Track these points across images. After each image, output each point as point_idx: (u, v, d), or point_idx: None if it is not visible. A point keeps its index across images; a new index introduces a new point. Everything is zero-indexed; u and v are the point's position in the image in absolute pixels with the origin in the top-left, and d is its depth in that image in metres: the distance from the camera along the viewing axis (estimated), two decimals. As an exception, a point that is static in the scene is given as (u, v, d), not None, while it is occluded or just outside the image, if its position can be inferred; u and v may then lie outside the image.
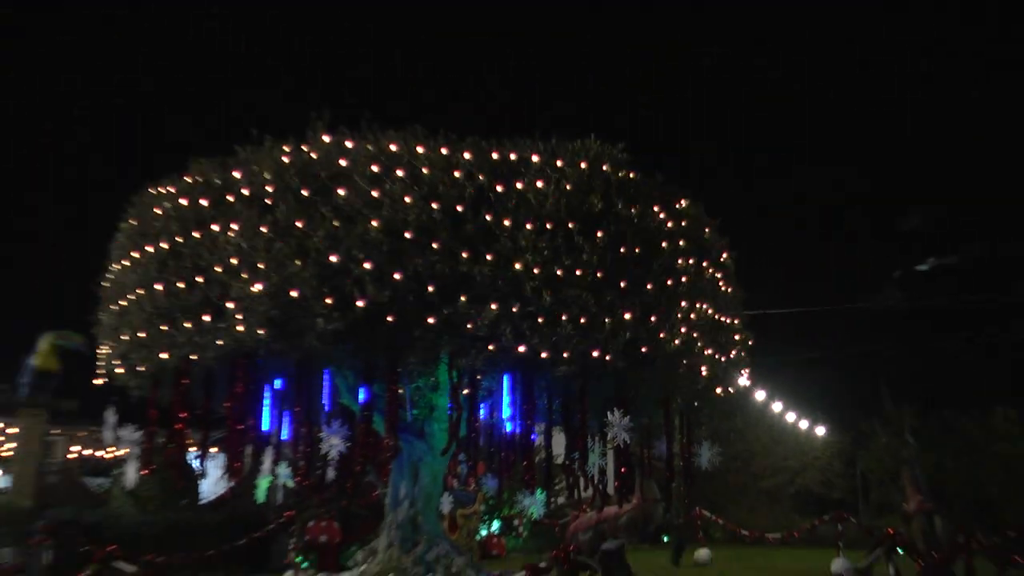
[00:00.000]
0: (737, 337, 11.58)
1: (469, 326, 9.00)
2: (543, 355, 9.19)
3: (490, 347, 9.12)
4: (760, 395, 26.09)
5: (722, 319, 11.08)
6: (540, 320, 9.11)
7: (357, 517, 20.13)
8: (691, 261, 10.37)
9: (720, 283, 11.10)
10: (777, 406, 26.95)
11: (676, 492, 21.98)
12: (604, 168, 9.77)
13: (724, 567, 20.03)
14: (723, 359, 11.15)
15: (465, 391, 10.35)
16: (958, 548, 12.70)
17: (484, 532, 23.55)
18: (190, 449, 12.43)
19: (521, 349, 9.08)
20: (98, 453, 28.89)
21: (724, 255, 11.37)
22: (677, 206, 10.44)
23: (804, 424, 28.10)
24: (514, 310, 9.03)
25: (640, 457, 12.80)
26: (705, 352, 10.62)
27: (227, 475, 10.68)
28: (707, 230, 10.92)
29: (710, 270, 10.83)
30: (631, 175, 10.03)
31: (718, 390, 11.51)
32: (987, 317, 32.95)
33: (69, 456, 22.24)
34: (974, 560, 12.57)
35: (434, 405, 11.53)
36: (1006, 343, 31.67)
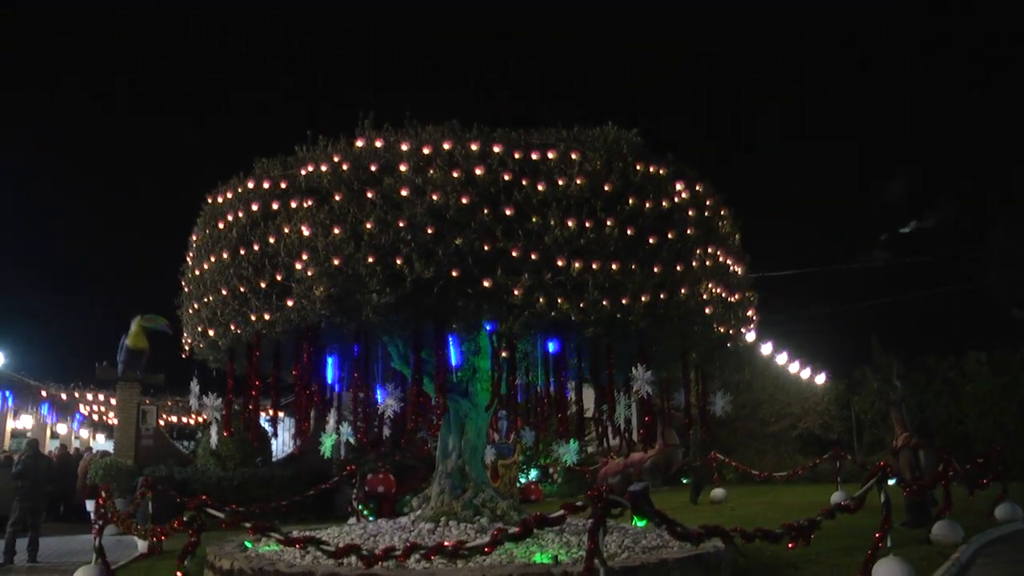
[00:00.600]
0: (746, 295, 11.51)
1: (506, 295, 9.01)
2: (573, 318, 9.18)
3: (526, 313, 9.11)
4: (766, 349, 26.03)
5: (731, 266, 11.01)
6: (569, 288, 9.10)
7: (410, 469, 20.25)
8: (701, 230, 10.29)
9: (726, 249, 11.02)
10: (781, 358, 26.87)
11: (693, 438, 21.98)
12: (622, 150, 9.72)
13: (737, 503, 20.03)
14: (732, 317, 11.09)
15: (504, 354, 10.37)
16: (938, 476, 12.74)
17: (523, 480, 23.66)
18: (263, 413, 12.53)
19: (553, 314, 9.07)
20: (183, 420, 29.30)
21: (723, 213, 11.21)
22: (686, 180, 10.38)
23: (805, 374, 28.03)
24: (546, 279, 9.02)
25: (661, 407, 12.78)
26: (717, 311, 10.57)
27: (295, 435, 10.76)
28: (715, 200, 10.83)
29: (719, 238, 10.76)
30: (645, 155, 9.97)
31: (729, 344, 11.48)
32: (962, 269, 32.85)
33: (160, 423, 22.51)
34: (950, 485, 12.65)
35: (476, 367, 11.54)
36: (977, 292, 31.65)
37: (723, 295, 10.72)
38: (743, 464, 23.52)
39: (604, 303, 9.18)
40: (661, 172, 10.01)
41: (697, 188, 10.47)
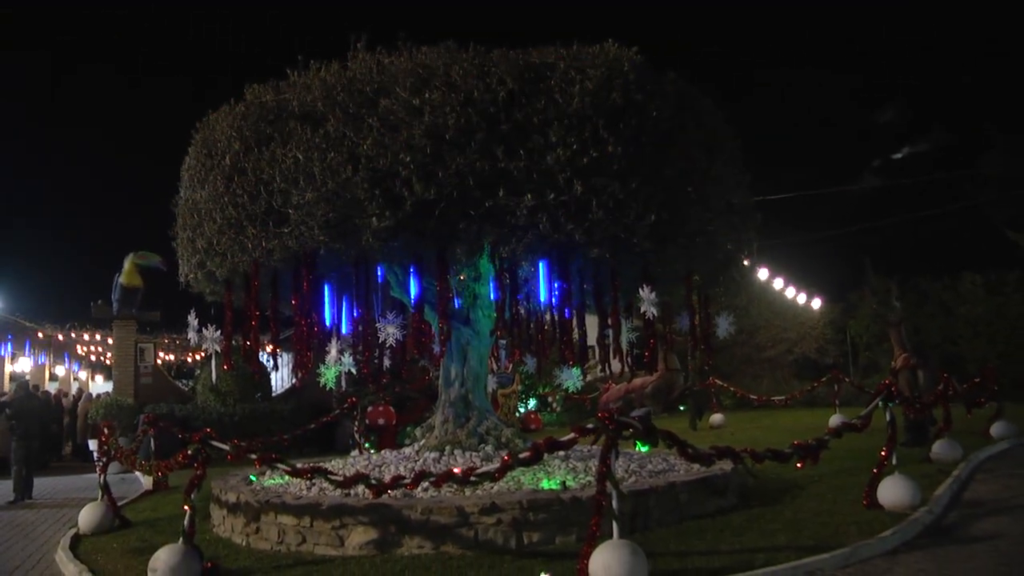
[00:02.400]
0: (746, 216, 11.20)
1: (509, 217, 8.67)
2: (578, 239, 8.85)
3: (529, 235, 8.80)
4: (762, 274, 25.80)
5: (733, 186, 10.69)
6: (573, 208, 8.75)
7: (409, 400, 20.16)
8: (704, 148, 9.96)
9: (730, 167, 10.70)
10: (777, 283, 26.67)
11: (692, 363, 21.86)
12: (624, 67, 9.34)
13: (736, 428, 20.02)
14: (735, 238, 10.82)
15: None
16: (938, 396, 12.68)
17: (522, 409, 23.58)
18: (263, 349, 12.28)
19: (557, 235, 8.75)
20: (181, 358, 29.14)
21: (725, 131, 10.84)
22: (689, 98, 10.01)
23: (801, 299, 27.85)
24: (549, 199, 8.66)
25: (663, 332, 12.57)
26: (720, 231, 10.30)
27: (295, 367, 10.54)
28: (718, 117, 10.49)
29: (722, 154, 10.43)
30: (648, 73, 9.59)
31: (732, 266, 11.24)
32: (956, 191, 32.83)
33: (158, 361, 22.36)
34: (949, 405, 12.64)
35: (477, 294, 11.32)
36: (972, 214, 31.64)
37: (726, 215, 10.44)
38: (741, 389, 23.45)
39: (608, 224, 8.88)
40: (664, 90, 9.66)
41: (700, 106, 10.12)
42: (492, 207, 8.64)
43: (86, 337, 26.01)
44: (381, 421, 18.51)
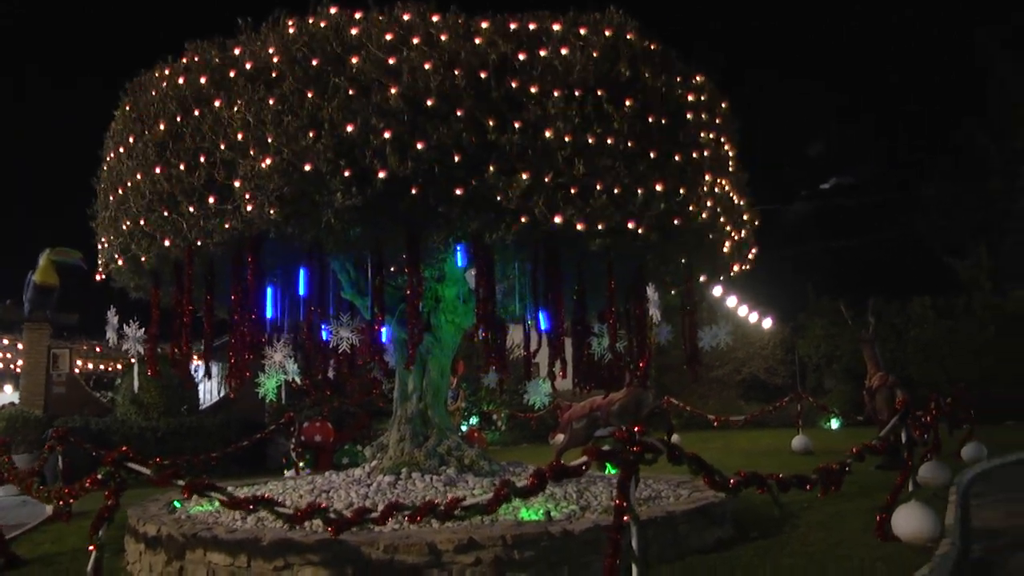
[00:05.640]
0: (746, 216, 9.95)
1: (499, 198, 7.21)
2: (578, 227, 7.42)
3: (522, 220, 7.34)
4: (716, 291, 24.81)
5: (735, 197, 9.46)
6: (573, 191, 7.35)
7: (349, 416, 18.53)
8: (711, 135, 8.71)
9: (733, 161, 9.47)
10: (731, 301, 25.72)
11: (650, 380, 20.66)
12: (629, 36, 8.01)
13: (693, 449, 18.78)
14: (738, 236, 9.56)
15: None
16: (928, 415, 11.69)
17: (464, 427, 22.08)
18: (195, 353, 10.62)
19: (557, 220, 7.26)
20: (101, 366, 26.88)
21: (729, 117, 9.64)
22: (695, 80, 8.73)
23: (753, 317, 26.96)
24: (546, 180, 7.26)
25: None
26: (726, 228, 9.03)
27: (230, 376, 8.94)
28: (723, 104, 9.23)
29: (726, 145, 9.19)
30: (654, 46, 8.29)
31: (735, 267, 9.98)
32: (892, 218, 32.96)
33: (75, 369, 20.23)
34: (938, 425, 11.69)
35: (440, 297, 9.85)
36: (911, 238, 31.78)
37: (730, 213, 9.20)
38: (697, 408, 22.32)
39: (612, 211, 7.49)
40: (671, 66, 8.38)
41: (705, 86, 8.86)
42: (479, 187, 7.19)
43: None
44: (318, 438, 16.79)
